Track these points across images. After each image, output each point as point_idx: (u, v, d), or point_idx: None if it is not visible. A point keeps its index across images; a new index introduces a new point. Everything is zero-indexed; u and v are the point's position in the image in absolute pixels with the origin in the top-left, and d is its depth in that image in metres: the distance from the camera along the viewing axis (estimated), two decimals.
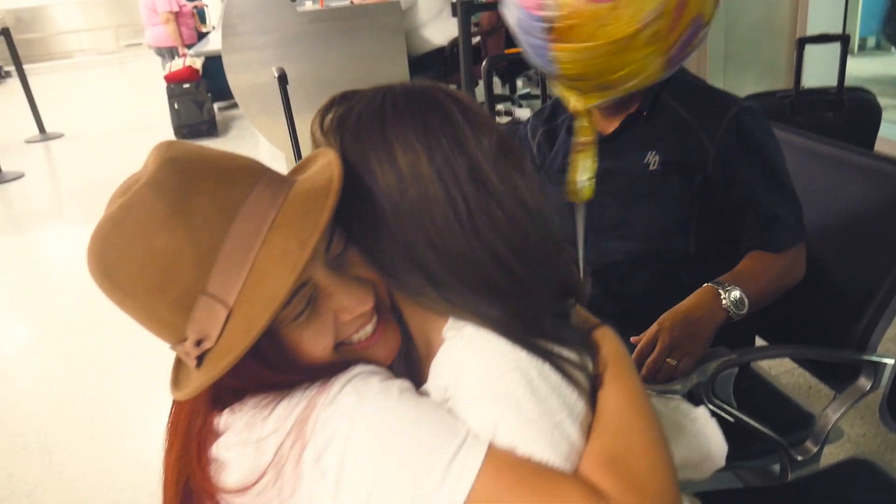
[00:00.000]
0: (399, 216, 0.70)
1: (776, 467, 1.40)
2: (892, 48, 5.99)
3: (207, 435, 0.75)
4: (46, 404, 2.74)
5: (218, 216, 0.66)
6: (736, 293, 1.27)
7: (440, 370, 0.72)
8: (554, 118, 1.57)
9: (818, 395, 1.44)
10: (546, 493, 0.64)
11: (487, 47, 5.04)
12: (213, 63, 5.70)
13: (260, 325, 0.65)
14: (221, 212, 0.66)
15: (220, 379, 0.68)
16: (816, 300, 1.48)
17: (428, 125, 0.72)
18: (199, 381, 0.68)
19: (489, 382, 0.68)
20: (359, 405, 0.67)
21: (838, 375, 1.43)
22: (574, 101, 1.21)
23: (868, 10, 5.85)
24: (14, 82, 7.46)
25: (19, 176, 5.94)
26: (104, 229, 0.68)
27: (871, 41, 6.28)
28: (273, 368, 0.72)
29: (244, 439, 0.71)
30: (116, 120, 7.89)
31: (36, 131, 7.16)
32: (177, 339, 0.69)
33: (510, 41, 5.00)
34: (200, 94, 6.38)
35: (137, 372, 2.82)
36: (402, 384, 0.70)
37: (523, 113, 3.36)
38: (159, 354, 0.79)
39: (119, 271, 0.67)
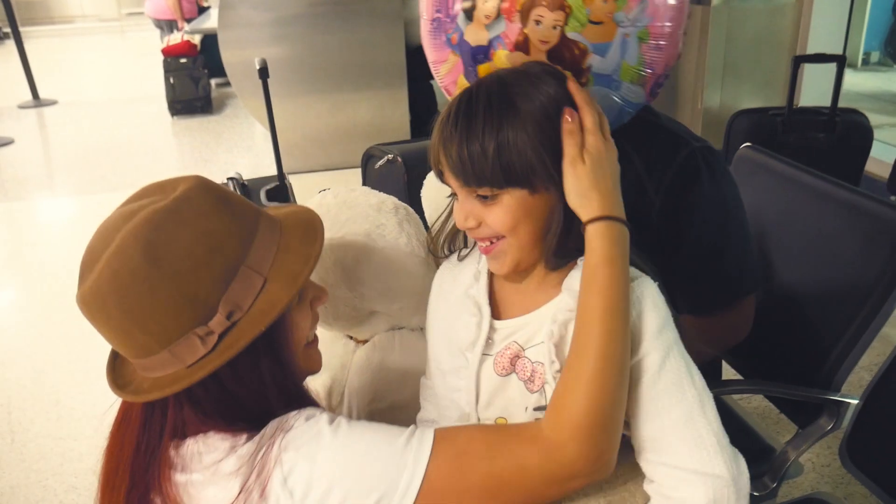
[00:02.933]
0: None
1: None
2: (894, 65, 5.96)
3: (167, 459, 0.81)
4: (12, 381, 2.72)
5: (251, 211, 0.85)
6: None
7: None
8: None
9: (789, 425, 1.42)
10: (498, 444, 0.79)
11: None
12: (212, 39, 5.64)
13: (289, 295, 0.81)
14: (252, 210, 0.85)
15: (191, 407, 0.81)
16: (787, 334, 1.46)
17: None
18: (218, 359, 0.78)
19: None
20: (319, 431, 0.78)
21: (802, 411, 1.41)
22: None
23: (873, 26, 5.82)
24: (11, 45, 7.37)
25: (9, 142, 5.88)
26: (159, 216, 0.78)
27: (875, 56, 6.26)
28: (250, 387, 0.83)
29: (211, 474, 0.78)
30: (112, 89, 7.81)
31: (29, 97, 7.09)
32: (200, 321, 0.78)
33: None
34: (197, 70, 6.32)
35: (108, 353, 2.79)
36: (341, 417, 0.82)
37: None
38: None
39: (166, 253, 0.76)
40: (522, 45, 0.97)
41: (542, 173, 0.82)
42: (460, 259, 1.00)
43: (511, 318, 0.92)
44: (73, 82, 8.14)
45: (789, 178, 1.54)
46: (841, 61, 2.73)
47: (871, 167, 2.98)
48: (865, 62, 6.18)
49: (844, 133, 2.72)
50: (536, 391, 0.89)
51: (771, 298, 1.51)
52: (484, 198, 0.85)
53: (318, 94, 4.67)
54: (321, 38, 4.54)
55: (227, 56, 4.52)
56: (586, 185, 0.81)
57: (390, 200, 1.20)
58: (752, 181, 1.66)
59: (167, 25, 7.20)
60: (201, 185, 0.83)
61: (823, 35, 3.93)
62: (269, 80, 2.24)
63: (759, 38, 3.91)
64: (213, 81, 6.90)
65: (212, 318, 0.78)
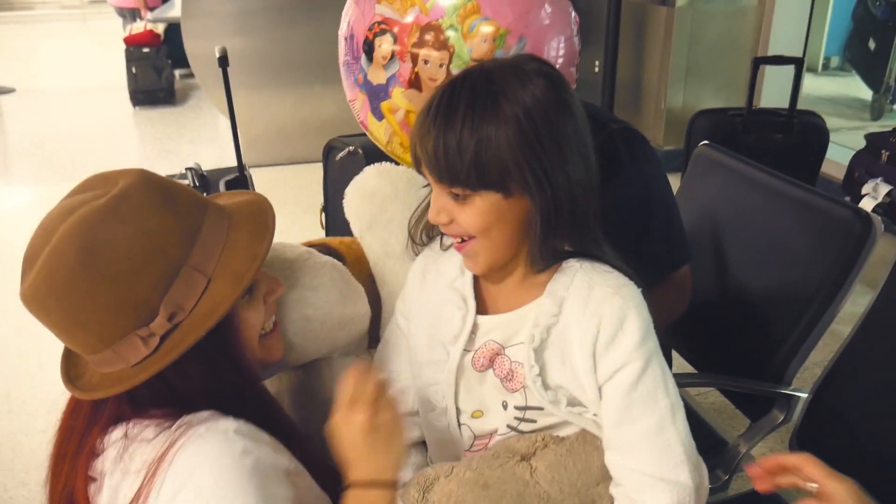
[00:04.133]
0: None
1: None
2: (853, 70, 6.08)
3: (95, 448, 0.81)
4: None
5: (196, 206, 0.81)
6: None
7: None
8: None
9: (743, 420, 1.45)
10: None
11: None
12: (176, 29, 5.54)
13: (233, 295, 0.78)
14: (197, 205, 0.82)
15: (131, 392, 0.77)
16: (739, 328, 1.48)
17: None
18: (160, 361, 0.76)
19: None
20: (211, 456, 0.74)
21: (754, 405, 1.43)
22: None
23: (834, 32, 5.93)
24: None
25: None
26: (96, 215, 0.75)
27: (835, 61, 6.38)
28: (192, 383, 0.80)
29: (124, 466, 0.77)
30: (72, 78, 7.64)
31: None
32: (141, 322, 0.76)
33: None
34: (160, 60, 6.20)
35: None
36: (246, 445, 0.77)
37: None
38: None
39: (104, 254, 0.74)
40: (415, 83, 1.03)
41: (518, 178, 0.80)
42: (444, 249, 0.98)
43: (493, 314, 0.92)
44: (31, 70, 7.95)
45: (744, 176, 1.57)
46: (799, 64, 2.79)
47: (827, 169, 3.04)
48: (826, 67, 6.30)
49: (802, 134, 2.77)
50: (517, 391, 0.89)
51: (725, 294, 1.53)
52: (457, 196, 0.83)
53: (283, 87, 4.61)
54: (286, 30, 4.49)
55: (191, 46, 4.45)
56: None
57: (305, 251, 1.13)
58: (709, 179, 1.68)
59: (130, 14, 7.05)
60: (143, 181, 0.79)
61: (784, 38, 4.00)
62: (232, 72, 2.21)
63: (721, 40, 3.96)
64: (177, 72, 6.79)
65: (153, 319, 0.76)
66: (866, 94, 5.56)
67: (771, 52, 3.87)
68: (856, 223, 1.29)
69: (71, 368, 0.84)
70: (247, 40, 4.46)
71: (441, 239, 0.98)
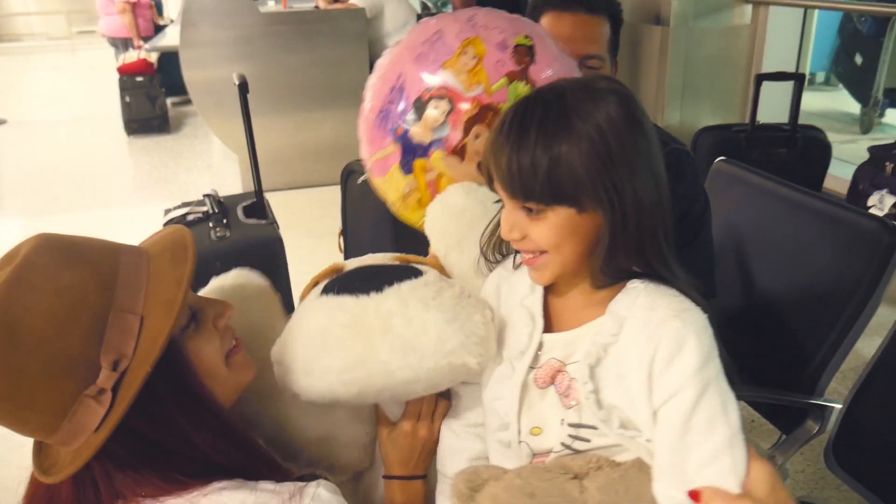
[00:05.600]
0: None
1: None
2: (840, 85, 6.19)
3: None
4: None
5: (107, 252, 0.79)
6: None
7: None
8: None
9: (760, 430, 1.45)
10: None
11: None
12: (169, 58, 5.55)
13: (168, 325, 0.76)
14: (108, 250, 0.80)
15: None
16: (767, 341, 1.50)
17: None
18: (116, 414, 0.73)
19: None
20: None
21: (786, 417, 1.44)
22: None
23: (819, 47, 6.03)
24: None
25: None
26: (4, 291, 0.72)
27: (821, 76, 6.48)
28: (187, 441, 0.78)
29: None
30: (64, 108, 7.64)
31: None
32: (87, 381, 0.73)
33: None
34: (154, 89, 6.22)
35: None
36: None
37: None
38: None
39: (24, 325, 0.71)
40: (459, 152, 1.05)
41: (592, 194, 0.80)
42: (515, 267, 0.98)
43: (558, 332, 0.92)
44: (22, 101, 7.95)
45: (766, 190, 1.59)
46: (800, 79, 2.83)
47: (828, 184, 3.08)
48: (811, 82, 6.41)
49: (805, 148, 2.81)
50: (572, 407, 0.89)
51: (753, 307, 1.54)
52: (530, 210, 0.84)
53: (282, 113, 4.63)
54: (285, 57, 4.51)
55: (189, 75, 4.46)
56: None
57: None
58: (728, 194, 1.70)
59: (122, 44, 7.07)
60: (42, 244, 0.76)
61: (777, 55, 4.07)
62: (230, 99, 2.20)
63: (716, 58, 4.01)
64: (170, 100, 6.80)
65: (98, 374, 0.73)
66: (854, 107, 5.65)
67: (764, 69, 3.93)
68: (884, 234, 1.32)
69: (44, 460, 0.80)
70: (244, 67, 4.46)
71: (514, 258, 0.98)
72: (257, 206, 2.02)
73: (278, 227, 1.97)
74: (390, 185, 1.14)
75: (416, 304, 0.90)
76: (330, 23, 4.52)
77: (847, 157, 4.02)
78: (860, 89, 5.36)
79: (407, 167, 1.09)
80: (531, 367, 0.91)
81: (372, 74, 1.18)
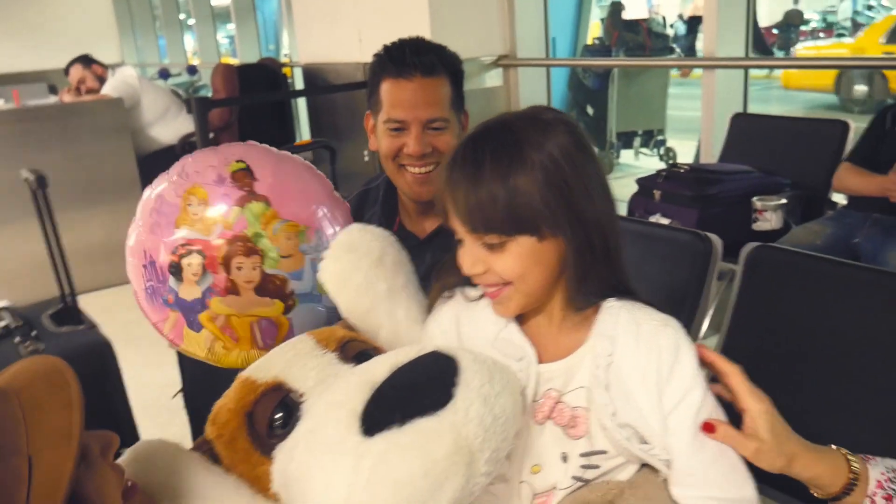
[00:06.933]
0: None
1: None
2: None
3: None
4: None
5: None
6: None
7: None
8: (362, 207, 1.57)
9: None
10: None
11: (221, 143, 4.90)
12: None
13: (71, 457, 0.63)
14: None
15: None
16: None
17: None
18: None
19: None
20: None
21: None
22: None
23: (556, 102, 6.73)
24: None
25: None
26: None
27: None
28: None
29: None
30: None
31: None
32: None
33: (249, 136, 4.93)
34: None
35: None
36: None
37: None
38: None
39: None
40: (233, 289, 1.10)
41: (550, 220, 0.82)
42: (472, 299, 0.95)
43: (547, 362, 0.90)
44: None
45: None
46: None
47: None
48: None
49: None
50: (581, 437, 0.88)
51: None
52: (491, 245, 0.84)
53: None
54: (38, 158, 4.13)
55: None
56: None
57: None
58: None
59: None
60: None
61: None
62: None
63: (481, 116, 4.32)
64: None
65: None
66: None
67: None
68: (698, 243, 1.51)
69: None
70: None
71: (471, 291, 0.96)
72: (68, 312, 1.82)
73: (100, 330, 1.78)
74: (193, 346, 1.14)
75: (490, 400, 0.75)
76: (87, 117, 4.23)
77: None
78: (595, 136, 6.05)
79: (195, 325, 1.11)
80: (533, 401, 0.89)
81: (127, 261, 1.18)
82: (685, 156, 5.79)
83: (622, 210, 3.29)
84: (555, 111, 0.90)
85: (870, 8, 11.45)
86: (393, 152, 1.41)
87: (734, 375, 0.87)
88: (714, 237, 1.52)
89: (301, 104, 5.93)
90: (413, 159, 1.39)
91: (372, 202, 1.56)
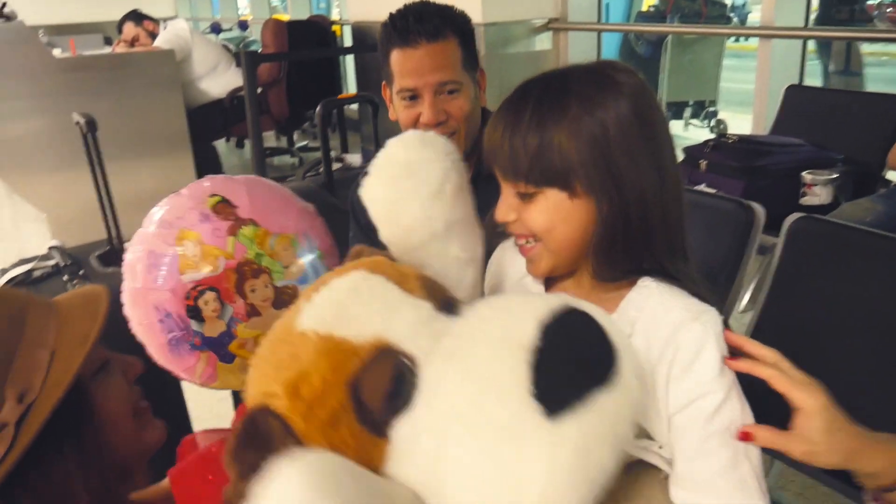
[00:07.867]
0: None
1: None
2: None
3: None
4: None
5: (15, 293, 0.82)
6: None
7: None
8: None
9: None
10: None
11: (269, 100, 4.96)
12: None
13: (80, 357, 0.76)
14: (16, 292, 0.82)
15: None
16: None
17: None
18: (18, 448, 0.70)
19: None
20: None
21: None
22: None
23: None
24: None
25: None
26: None
27: None
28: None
29: None
30: None
31: None
32: None
33: (296, 92, 4.98)
34: None
35: None
36: None
37: (354, 158, 3.32)
38: None
39: None
40: (253, 312, 1.11)
41: (584, 179, 0.79)
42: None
43: None
44: None
45: None
46: None
47: None
48: None
49: None
50: None
51: None
52: (523, 195, 0.82)
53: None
54: (91, 107, 4.21)
55: None
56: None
57: None
58: None
59: None
60: None
61: None
62: (34, 154, 2.00)
63: None
64: None
65: (1, 407, 0.72)
66: None
67: None
68: (741, 212, 1.49)
69: None
70: (45, 121, 4.15)
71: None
72: (114, 253, 1.88)
73: None
74: (228, 377, 1.16)
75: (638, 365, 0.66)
76: (137, 67, 4.29)
77: None
78: None
79: (227, 357, 1.13)
80: None
81: (134, 327, 1.17)
82: (738, 129, 5.66)
83: None
84: (629, 72, 0.83)
85: None
86: (410, 123, 1.42)
87: (775, 377, 0.76)
88: (757, 206, 1.49)
89: (349, 62, 5.94)
90: (429, 129, 1.37)
91: None
